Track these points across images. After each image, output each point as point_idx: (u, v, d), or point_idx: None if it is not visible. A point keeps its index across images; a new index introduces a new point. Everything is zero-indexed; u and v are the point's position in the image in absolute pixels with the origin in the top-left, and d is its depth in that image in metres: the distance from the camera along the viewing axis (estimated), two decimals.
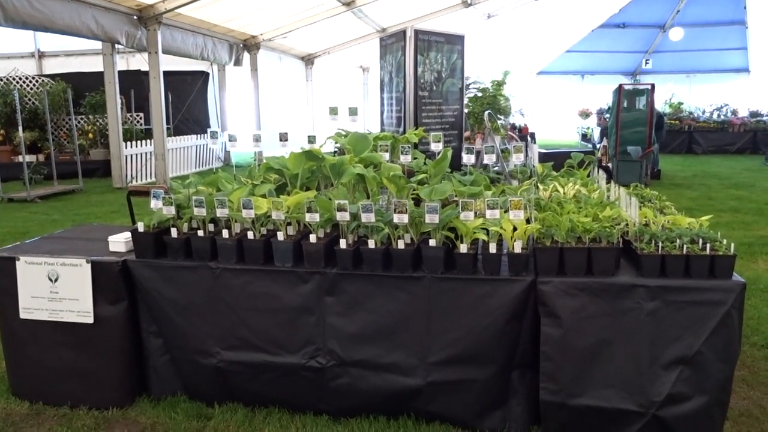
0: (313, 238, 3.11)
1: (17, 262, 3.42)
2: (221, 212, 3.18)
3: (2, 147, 13.68)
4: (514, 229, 2.94)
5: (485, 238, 2.95)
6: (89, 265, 3.33)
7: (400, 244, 3.01)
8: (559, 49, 25.01)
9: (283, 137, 3.94)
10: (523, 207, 2.96)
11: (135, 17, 11.22)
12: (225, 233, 3.22)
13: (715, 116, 19.88)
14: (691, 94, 24.91)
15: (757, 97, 22.66)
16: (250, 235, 3.19)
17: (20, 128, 10.59)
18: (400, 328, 3.06)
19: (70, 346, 3.45)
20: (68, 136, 14.26)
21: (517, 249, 2.93)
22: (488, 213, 2.98)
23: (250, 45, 15.87)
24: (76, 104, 13.13)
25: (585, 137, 20.49)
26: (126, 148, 12.22)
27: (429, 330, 3.03)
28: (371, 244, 3.03)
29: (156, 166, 11.96)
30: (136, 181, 12.57)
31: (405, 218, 2.97)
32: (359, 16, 16.24)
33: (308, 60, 19.75)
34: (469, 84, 14.36)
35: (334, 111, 4.09)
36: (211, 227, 3.35)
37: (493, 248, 2.95)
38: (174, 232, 3.28)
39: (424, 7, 17.52)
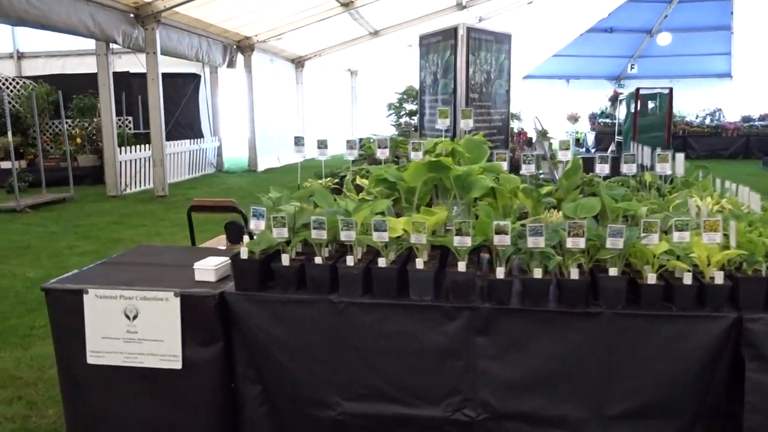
0: (461, 266, 2.58)
1: (85, 296, 2.82)
2: (347, 235, 2.63)
3: None
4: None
5: (683, 266, 2.46)
6: (178, 300, 2.76)
7: (573, 274, 2.51)
8: (547, 53, 24.83)
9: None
10: (720, 228, 2.48)
11: (132, 15, 10.55)
12: (350, 260, 2.67)
13: (707, 121, 19.86)
14: (674, 99, 24.97)
15: (738, 102, 22.78)
16: (381, 262, 2.65)
17: (9, 132, 9.81)
18: (570, 375, 2.55)
19: (148, 396, 2.86)
20: (52, 142, 13.41)
21: (718, 279, 2.45)
22: (676, 236, 2.49)
23: (244, 46, 15.24)
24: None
25: (578, 142, 20.28)
26: (120, 153, 11.47)
27: (607, 377, 2.53)
28: (537, 273, 2.52)
29: (154, 173, 11.26)
30: (131, 188, 11.83)
31: (581, 243, 2.47)
32: (355, 17, 15.75)
33: (299, 62, 19.16)
34: None
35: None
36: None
37: (687, 279, 2.47)
38: (286, 259, 2.71)
39: (419, 10, 17.12)
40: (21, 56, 15.35)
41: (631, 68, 25.70)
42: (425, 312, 2.61)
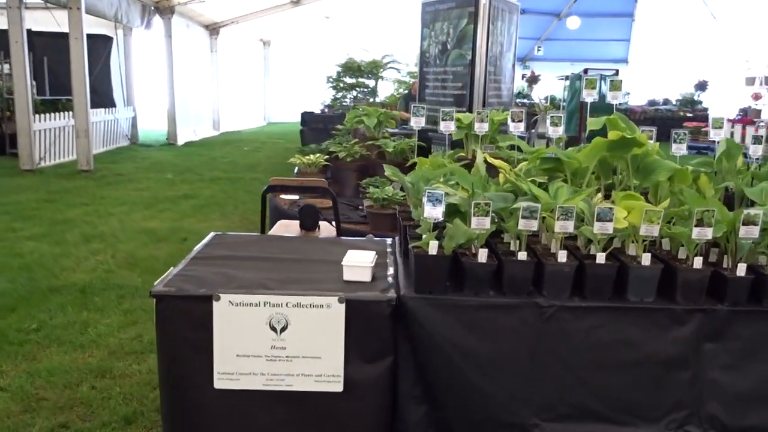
0: (698, 262, 2.21)
1: (215, 304, 2.18)
2: (562, 226, 2.18)
3: None
4: None
5: None
6: (343, 306, 2.19)
7: None
8: None
9: None
10: None
11: None
12: (562, 255, 2.22)
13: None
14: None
15: (632, 87, 23.97)
16: (600, 258, 2.22)
17: None
18: None
19: (293, 426, 2.28)
20: None
21: None
22: None
23: (164, 8, 13.92)
24: None
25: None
26: (35, 122, 10.06)
27: None
28: None
29: (78, 145, 9.98)
30: (46, 161, 10.45)
31: None
32: None
33: (213, 29, 17.88)
34: (388, 63, 13.64)
35: None
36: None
37: None
38: (483, 255, 2.22)
39: None
40: None
41: (538, 50, 26.33)
42: (651, 316, 2.23)
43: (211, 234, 2.95)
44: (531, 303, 2.22)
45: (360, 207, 5.79)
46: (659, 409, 2.28)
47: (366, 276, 2.35)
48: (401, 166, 6.39)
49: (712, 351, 2.25)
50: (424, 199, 2.28)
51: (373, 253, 2.48)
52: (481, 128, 3.90)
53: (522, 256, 2.23)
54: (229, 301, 2.19)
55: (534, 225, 2.19)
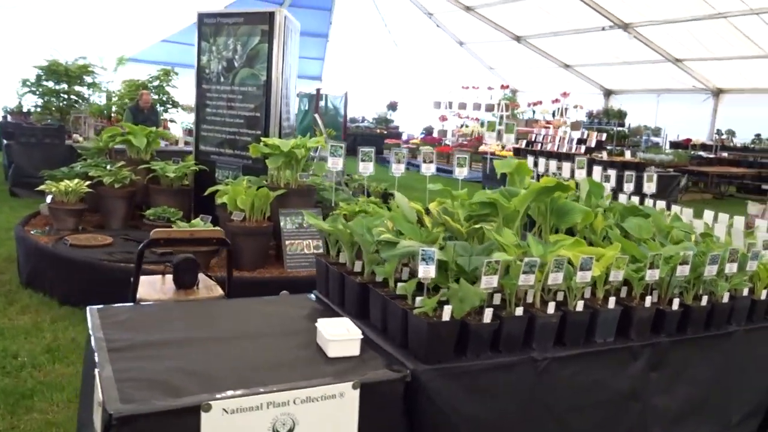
0: (648, 301, 2.41)
1: (204, 417, 1.67)
2: (554, 278, 2.18)
3: None
4: None
5: None
6: (357, 393, 1.86)
7: (726, 298, 2.61)
8: (156, 37, 23.52)
9: None
10: None
11: None
12: (551, 307, 2.22)
13: None
14: None
15: None
16: (579, 305, 2.27)
17: None
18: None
19: None
20: None
21: None
22: None
23: None
24: None
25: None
26: None
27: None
28: (704, 301, 2.53)
29: None
30: None
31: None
32: None
33: None
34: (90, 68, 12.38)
35: None
36: None
37: None
38: (488, 315, 2.09)
39: None
40: None
41: None
42: (614, 355, 2.37)
43: (91, 309, 2.25)
44: (528, 359, 2.18)
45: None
46: None
47: (355, 349, 2.04)
48: (181, 193, 5.79)
49: (655, 379, 2.49)
50: (419, 258, 2.07)
51: (347, 319, 2.17)
52: (336, 164, 3.74)
53: (519, 311, 2.17)
54: (223, 409, 1.70)
55: (532, 279, 2.15)
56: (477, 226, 2.63)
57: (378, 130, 20.85)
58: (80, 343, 3.92)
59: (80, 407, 2.30)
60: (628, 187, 3.48)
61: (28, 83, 11.41)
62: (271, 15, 5.36)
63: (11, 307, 4.50)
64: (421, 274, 2.08)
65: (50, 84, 11.32)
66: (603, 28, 15.72)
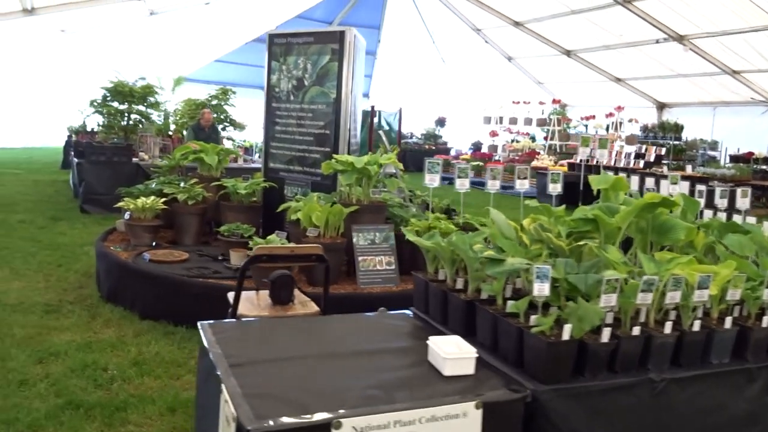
0: (766, 321, 2.34)
1: None
2: (672, 296, 2.13)
3: None
4: None
5: None
6: (480, 414, 1.84)
7: None
8: (209, 57, 24.13)
9: None
10: None
11: None
12: (668, 326, 2.16)
13: None
14: None
15: None
16: (696, 326, 2.21)
17: None
18: None
19: None
20: None
21: None
22: None
23: None
24: None
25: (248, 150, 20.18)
26: None
27: None
28: None
29: None
30: None
31: None
32: None
33: None
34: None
35: None
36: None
37: None
38: (606, 334, 2.05)
39: None
40: None
41: None
42: (731, 378, 2.29)
43: (203, 325, 2.30)
44: (646, 380, 2.12)
45: (221, 257, 5.16)
46: None
47: (470, 368, 2.03)
48: (251, 209, 5.88)
49: None
50: (533, 276, 2.05)
51: (458, 337, 2.15)
52: (432, 180, 3.77)
53: (636, 331, 2.12)
54: (353, 427, 1.70)
55: (649, 298, 2.10)
56: (580, 243, 2.59)
57: (426, 146, 20.85)
58: (165, 358, 4.00)
59: (197, 421, 2.34)
60: (722, 203, 3.38)
61: (95, 103, 11.82)
62: (342, 34, 5.44)
63: (94, 321, 4.62)
64: (535, 292, 2.05)
65: (115, 104, 11.71)
66: (657, 41, 15.44)
